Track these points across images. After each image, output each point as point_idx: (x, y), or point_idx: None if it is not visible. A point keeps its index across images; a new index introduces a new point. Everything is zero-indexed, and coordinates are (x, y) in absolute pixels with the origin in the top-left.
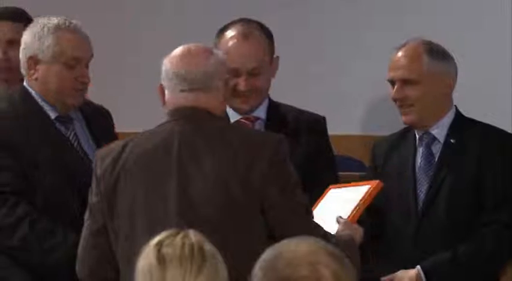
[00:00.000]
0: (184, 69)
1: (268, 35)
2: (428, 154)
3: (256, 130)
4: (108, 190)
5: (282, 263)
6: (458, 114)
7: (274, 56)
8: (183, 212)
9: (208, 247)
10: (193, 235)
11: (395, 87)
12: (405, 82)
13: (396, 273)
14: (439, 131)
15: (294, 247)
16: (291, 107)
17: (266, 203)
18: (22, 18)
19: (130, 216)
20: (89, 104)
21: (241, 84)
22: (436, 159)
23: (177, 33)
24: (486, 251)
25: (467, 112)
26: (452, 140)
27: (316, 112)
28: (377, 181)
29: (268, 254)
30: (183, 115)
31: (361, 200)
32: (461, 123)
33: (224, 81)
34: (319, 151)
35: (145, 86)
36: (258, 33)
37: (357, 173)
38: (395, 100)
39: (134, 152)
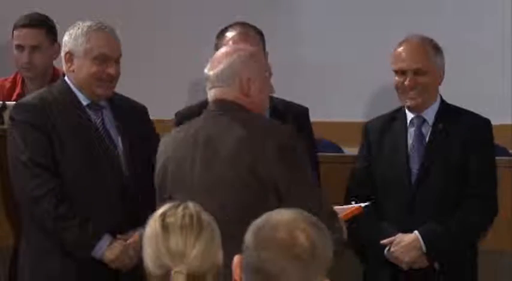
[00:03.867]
0: (210, 71)
1: (261, 34)
2: (420, 134)
3: (271, 120)
4: (159, 171)
5: (266, 227)
6: (444, 102)
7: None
8: (206, 195)
9: (205, 216)
10: (192, 207)
11: (409, 76)
12: (416, 72)
13: (395, 236)
14: (429, 115)
15: (279, 215)
16: (280, 98)
17: (277, 185)
18: (43, 25)
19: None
20: (122, 98)
21: None
22: (427, 139)
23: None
24: (471, 222)
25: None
26: (440, 124)
27: None
28: (360, 206)
29: (259, 220)
30: (211, 107)
31: (343, 213)
32: (447, 109)
33: (259, 76)
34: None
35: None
36: (254, 32)
37: (338, 154)
38: (405, 88)
39: (175, 140)
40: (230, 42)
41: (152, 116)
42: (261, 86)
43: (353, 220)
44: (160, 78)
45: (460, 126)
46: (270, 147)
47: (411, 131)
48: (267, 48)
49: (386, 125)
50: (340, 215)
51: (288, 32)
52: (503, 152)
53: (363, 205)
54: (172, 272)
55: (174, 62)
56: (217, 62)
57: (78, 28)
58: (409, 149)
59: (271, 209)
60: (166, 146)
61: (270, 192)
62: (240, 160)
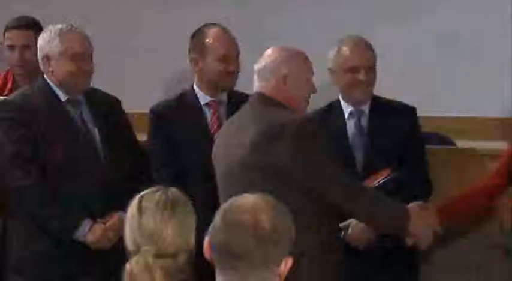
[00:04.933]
0: (256, 66)
1: None
2: (359, 125)
3: (291, 114)
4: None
5: (232, 211)
6: (373, 95)
7: None
8: (226, 174)
9: (182, 201)
10: (171, 191)
11: (364, 72)
12: (370, 68)
13: (351, 219)
14: (366, 106)
15: (244, 199)
16: (242, 92)
17: (295, 178)
18: (32, 27)
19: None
20: (97, 92)
21: (232, 67)
22: (366, 129)
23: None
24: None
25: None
26: (376, 115)
27: None
28: (387, 170)
29: (225, 204)
30: (252, 98)
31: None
32: (378, 101)
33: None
34: None
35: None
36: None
37: None
38: (359, 83)
39: (224, 126)
40: (214, 38)
41: (127, 110)
42: (298, 85)
43: (384, 185)
44: (136, 73)
45: (393, 116)
46: (285, 142)
47: (351, 123)
48: None
49: (323, 118)
50: (367, 182)
51: None
52: (435, 137)
53: (390, 173)
54: (142, 249)
55: (149, 58)
56: (263, 58)
57: (51, 32)
58: (350, 140)
59: (289, 201)
60: (219, 131)
61: (288, 185)
62: (258, 153)
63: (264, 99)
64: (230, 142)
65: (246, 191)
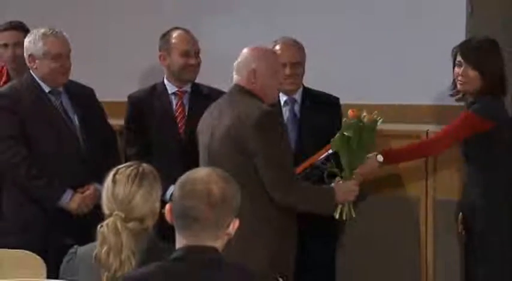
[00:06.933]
0: (235, 62)
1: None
2: (293, 111)
3: (258, 104)
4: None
5: (188, 182)
6: (304, 86)
7: None
8: (209, 154)
9: (151, 174)
10: (142, 167)
11: (289, 67)
12: (296, 64)
13: None
14: (297, 96)
15: (198, 172)
16: (205, 85)
17: (254, 158)
18: (21, 28)
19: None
20: (75, 84)
21: (192, 60)
22: (299, 115)
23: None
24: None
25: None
26: (307, 103)
27: None
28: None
29: (183, 177)
30: (230, 89)
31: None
32: (308, 92)
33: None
34: None
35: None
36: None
37: None
38: (286, 77)
39: (207, 111)
40: (177, 38)
41: (108, 99)
42: (266, 79)
43: (329, 158)
44: (115, 66)
45: (320, 104)
46: (250, 126)
47: (285, 109)
48: None
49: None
50: (313, 158)
51: None
52: None
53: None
54: (114, 213)
55: (127, 52)
56: (240, 55)
57: (35, 35)
58: (286, 124)
59: (248, 177)
60: (205, 113)
61: (249, 164)
62: (230, 137)
63: (239, 89)
64: (213, 122)
65: (225, 164)
